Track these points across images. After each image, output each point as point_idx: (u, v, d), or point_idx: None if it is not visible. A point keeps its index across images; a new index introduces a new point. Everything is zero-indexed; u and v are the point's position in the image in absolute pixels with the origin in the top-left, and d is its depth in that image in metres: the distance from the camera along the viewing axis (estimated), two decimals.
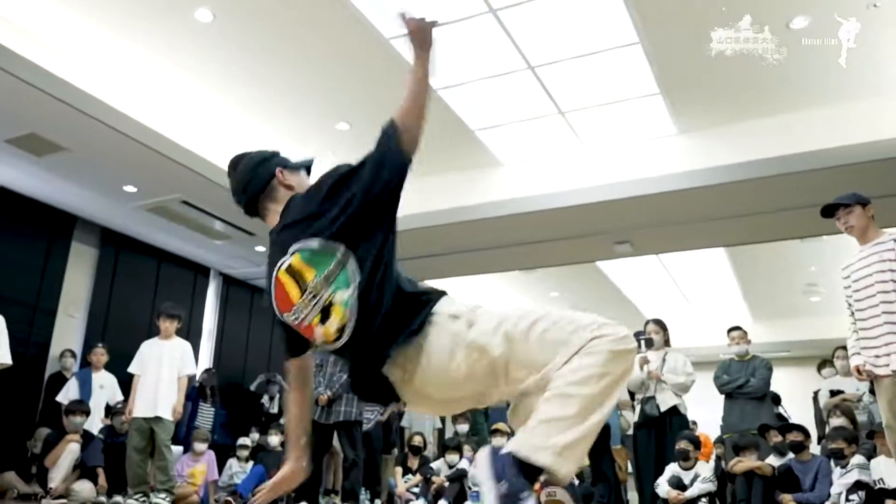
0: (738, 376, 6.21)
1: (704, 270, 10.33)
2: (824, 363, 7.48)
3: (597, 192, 6.75)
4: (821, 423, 6.80)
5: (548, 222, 7.23)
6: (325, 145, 6.99)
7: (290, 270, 1.88)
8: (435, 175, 7.50)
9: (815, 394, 7.41)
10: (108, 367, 7.02)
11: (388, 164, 1.88)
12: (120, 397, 6.80)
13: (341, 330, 1.82)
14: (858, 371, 4.01)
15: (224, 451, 7.98)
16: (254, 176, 2.08)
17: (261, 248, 8.25)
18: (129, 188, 6.70)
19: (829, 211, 4.15)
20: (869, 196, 4.12)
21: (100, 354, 6.88)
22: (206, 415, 7.85)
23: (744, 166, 6.20)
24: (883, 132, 5.67)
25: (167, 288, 8.43)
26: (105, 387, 6.79)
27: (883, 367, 3.81)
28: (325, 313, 1.84)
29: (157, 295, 8.23)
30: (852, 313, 4.07)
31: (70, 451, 5.95)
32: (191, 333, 8.48)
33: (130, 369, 5.91)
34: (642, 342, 5.98)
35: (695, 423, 7.63)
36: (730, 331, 6.50)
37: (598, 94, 6.11)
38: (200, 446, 6.95)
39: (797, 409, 7.56)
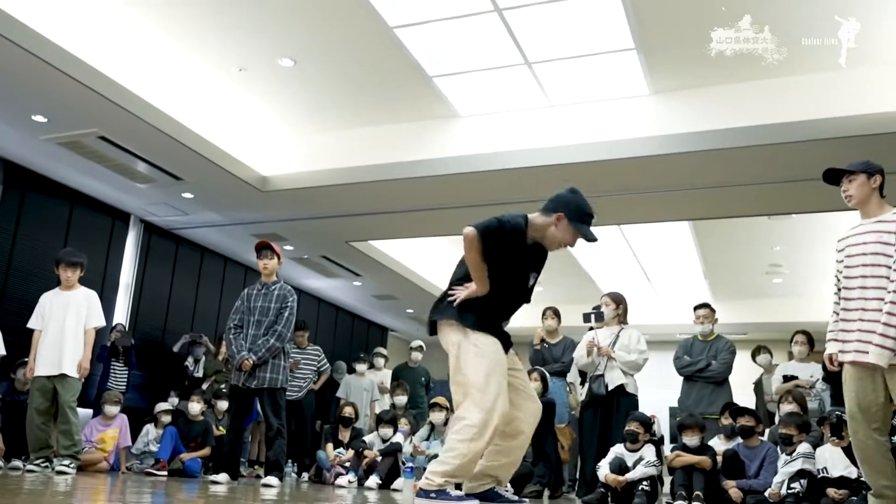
0: (699, 358, 6.31)
1: (667, 244, 10.47)
2: (759, 350, 7.55)
3: (559, 153, 6.73)
4: (764, 411, 6.99)
5: (506, 182, 7.19)
6: (267, 83, 6.79)
7: None
8: (385, 124, 7.39)
9: (756, 383, 7.57)
10: (11, 322, 6.75)
11: None
12: (2, 351, 6.50)
13: None
14: (831, 361, 3.89)
15: (138, 416, 7.83)
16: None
17: (188, 195, 8.02)
18: (39, 118, 6.39)
19: (832, 177, 3.99)
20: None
21: None
22: (120, 376, 7.67)
23: (716, 134, 6.23)
24: (870, 105, 5.70)
25: (80, 234, 8.14)
26: None
27: (850, 354, 3.79)
28: None
29: (67, 242, 7.93)
30: (838, 290, 3.97)
31: None
32: (105, 286, 8.26)
33: (30, 325, 5.75)
34: (592, 316, 6.01)
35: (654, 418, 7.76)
36: (696, 308, 6.57)
37: (569, 45, 6.04)
38: (112, 409, 6.79)
39: (749, 394, 7.72)
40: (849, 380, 3.86)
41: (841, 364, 3.85)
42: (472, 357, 3.41)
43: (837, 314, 3.94)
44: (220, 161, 7.16)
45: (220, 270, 10.30)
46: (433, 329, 3.66)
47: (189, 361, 8.59)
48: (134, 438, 7.32)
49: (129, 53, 6.16)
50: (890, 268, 3.72)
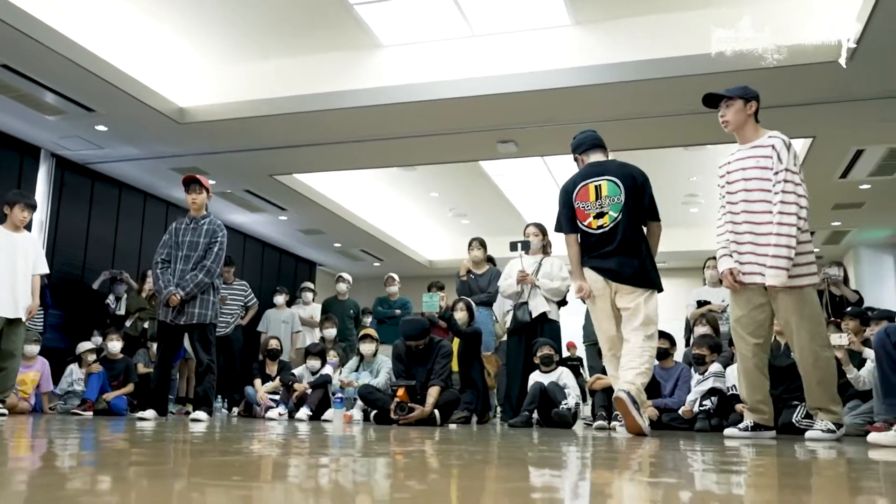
0: None
1: None
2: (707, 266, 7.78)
3: (483, 84, 6.72)
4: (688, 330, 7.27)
5: (430, 114, 7.16)
6: (180, 10, 6.51)
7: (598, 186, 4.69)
8: (306, 55, 7.21)
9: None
10: None
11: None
12: None
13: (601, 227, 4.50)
14: (733, 275, 4.03)
15: (59, 356, 7.67)
16: None
17: (102, 128, 7.71)
18: None
19: (711, 101, 4.16)
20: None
21: None
22: (36, 317, 7.43)
23: (637, 65, 6.31)
24: (790, 37, 5.79)
25: None
26: None
27: (747, 276, 4.02)
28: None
29: None
30: (725, 213, 4.18)
31: None
32: None
33: None
34: (519, 245, 6.13)
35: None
36: None
37: None
38: (32, 349, 6.62)
39: (669, 321, 8.00)
40: (737, 297, 4.11)
41: (741, 283, 4.03)
42: (657, 305, 4.46)
43: (728, 232, 4.12)
44: (134, 91, 6.89)
45: (140, 206, 10.00)
46: (634, 281, 4.43)
47: (110, 299, 8.41)
48: (56, 379, 7.18)
49: None
50: (770, 191, 3.91)
